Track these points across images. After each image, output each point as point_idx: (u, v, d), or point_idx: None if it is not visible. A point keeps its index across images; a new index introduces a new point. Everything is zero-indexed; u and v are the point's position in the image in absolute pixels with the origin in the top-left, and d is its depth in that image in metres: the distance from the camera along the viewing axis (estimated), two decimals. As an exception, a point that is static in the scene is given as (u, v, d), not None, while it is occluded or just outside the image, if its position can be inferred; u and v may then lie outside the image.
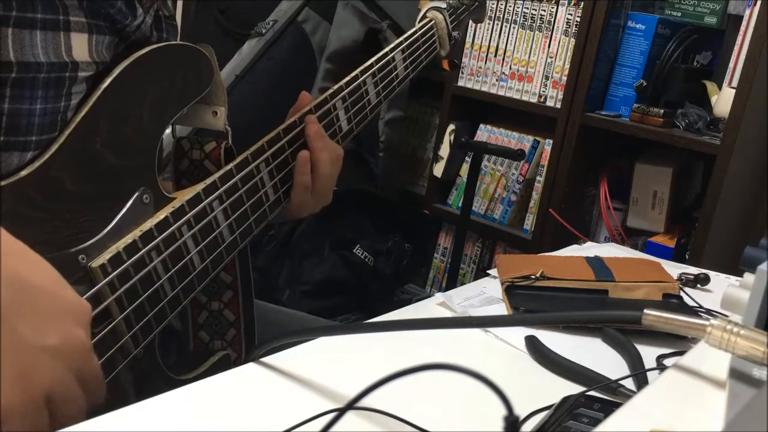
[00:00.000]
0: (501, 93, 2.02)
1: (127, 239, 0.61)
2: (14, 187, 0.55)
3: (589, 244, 1.21)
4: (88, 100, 0.60)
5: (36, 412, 0.46)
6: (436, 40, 1.09)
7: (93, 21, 0.61)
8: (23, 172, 0.56)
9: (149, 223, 0.64)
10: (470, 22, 1.23)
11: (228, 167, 0.72)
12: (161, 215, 0.65)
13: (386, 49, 0.97)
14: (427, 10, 1.09)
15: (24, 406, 0.45)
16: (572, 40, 1.86)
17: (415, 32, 1.04)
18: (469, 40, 2.05)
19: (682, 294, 0.90)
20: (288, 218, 0.86)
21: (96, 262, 0.59)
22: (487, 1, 1.26)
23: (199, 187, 0.69)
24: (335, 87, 0.88)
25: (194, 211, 0.67)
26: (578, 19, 1.84)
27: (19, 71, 0.56)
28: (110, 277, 0.59)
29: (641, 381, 0.69)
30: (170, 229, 0.65)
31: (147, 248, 0.63)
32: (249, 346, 0.81)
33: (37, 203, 0.55)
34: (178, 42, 0.69)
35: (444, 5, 1.10)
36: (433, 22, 1.09)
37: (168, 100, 0.68)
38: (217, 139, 0.76)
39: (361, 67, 0.92)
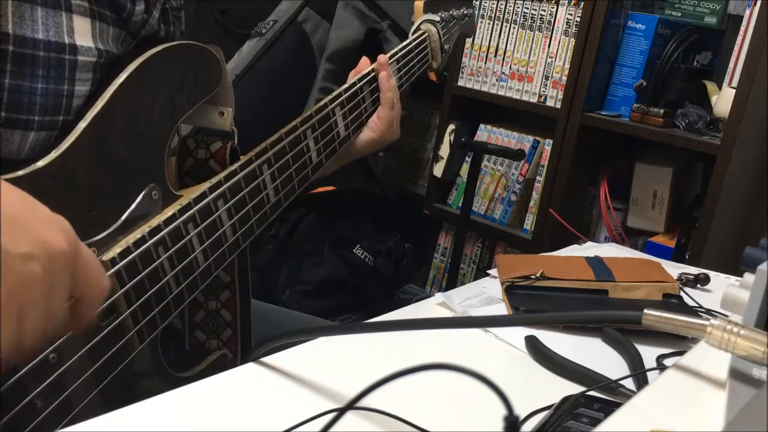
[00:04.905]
0: (501, 93, 2.02)
1: (136, 234, 0.62)
2: (31, 176, 0.55)
3: (589, 244, 1.21)
4: (104, 94, 0.61)
5: (6, 322, 0.45)
6: (429, 52, 1.11)
7: (96, 7, 0.62)
8: (40, 163, 0.56)
9: (157, 219, 0.64)
10: (463, 38, 1.25)
11: (233, 167, 0.72)
12: (169, 212, 0.65)
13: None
14: (420, 23, 1.10)
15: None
16: (572, 40, 1.86)
17: (409, 44, 1.06)
18: (468, 39, 2.05)
19: (682, 294, 0.90)
20: (351, 157, 0.97)
21: (106, 256, 0.59)
22: (476, 16, 1.27)
23: (205, 185, 0.69)
24: (335, 93, 0.89)
25: (199, 208, 0.68)
26: (578, 19, 1.84)
27: (16, 45, 0.56)
28: (119, 270, 0.60)
29: (641, 381, 0.69)
30: (177, 226, 0.65)
31: (154, 244, 0.63)
32: (245, 346, 0.81)
33: (53, 194, 0.56)
34: (190, 42, 0.69)
35: (437, 18, 1.11)
36: (427, 34, 1.10)
37: (179, 99, 0.68)
38: (222, 139, 0.76)
39: (359, 75, 0.94)
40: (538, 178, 1.99)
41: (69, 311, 0.52)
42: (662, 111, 1.73)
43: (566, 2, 1.87)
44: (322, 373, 0.65)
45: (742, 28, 1.67)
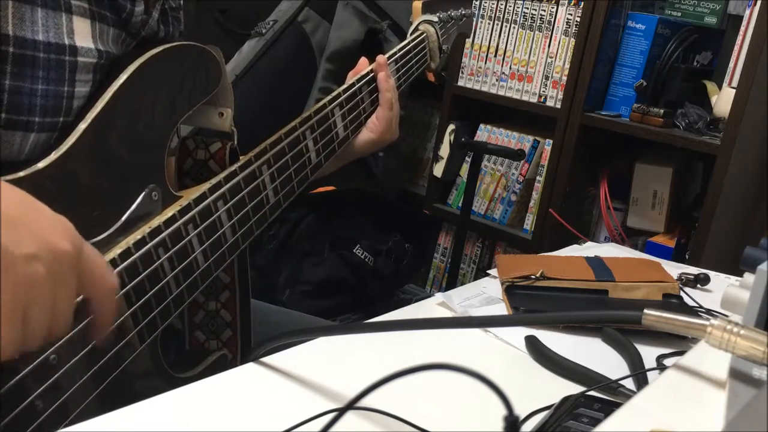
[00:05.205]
0: (501, 93, 2.02)
1: (136, 235, 0.62)
2: (32, 178, 0.55)
3: (589, 244, 1.21)
4: (104, 95, 0.61)
5: (11, 324, 0.45)
6: (427, 53, 1.11)
7: (96, 8, 0.62)
8: (40, 164, 0.56)
9: (157, 220, 0.64)
10: (462, 38, 1.25)
11: (232, 168, 0.72)
12: (169, 213, 0.65)
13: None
14: (419, 23, 1.10)
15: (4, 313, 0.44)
16: (572, 40, 1.86)
17: (408, 44, 1.06)
18: (468, 39, 2.05)
19: (682, 294, 0.90)
20: (350, 157, 0.97)
21: (106, 257, 0.59)
22: (475, 16, 1.28)
23: (205, 186, 0.69)
24: (334, 93, 0.89)
25: (199, 209, 0.68)
26: (578, 19, 1.84)
27: (16, 46, 0.56)
28: (120, 271, 0.60)
29: (641, 381, 0.69)
30: (177, 227, 0.65)
31: (155, 245, 0.63)
32: (244, 347, 0.81)
33: (53, 195, 0.56)
34: (190, 43, 0.69)
35: (435, 19, 1.11)
36: (425, 35, 1.10)
37: (178, 100, 0.68)
38: (222, 139, 0.76)
39: (357, 76, 0.94)
40: (538, 178, 1.99)
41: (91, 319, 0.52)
42: (662, 111, 1.72)
43: (566, 2, 1.87)
44: (322, 373, 0.65)
45: (742, 28, 1.67)
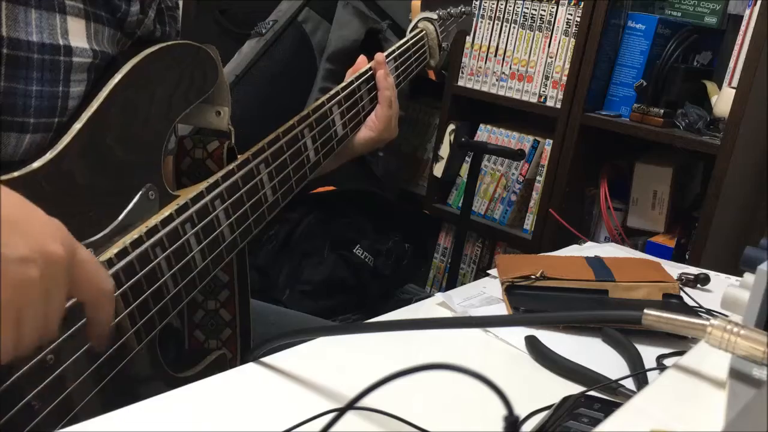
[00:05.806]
0: (501, 93, 2.01)
1: (133, 234, 0.62)
2: (27, 178, 0.55)
3: (589, 244, 1.21)
4: (99, 95, 0.61)
5: (6, 326, 0.45)
6: (427, 50, 1.11)
7: (91, 9, 0.62)
8: (35, 164, 0.56)
9: (154, 220, 0.64)
10: (462, 36, 1.25)
11: (230, 167, 0.72)
12: (166, 212, 0.65)
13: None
14: (418, 21, 1.10)
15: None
16: (572, 40, 1.86)
17: (407, 42, 1.06)
18: (468, 39, 2.05)
19: (682, 294, 0.90)
20: (349, 156, 0.97)
21: (103, 257, 0.59)
22: (475, 15, 1.28)
23: (203, 185, 0.69)
24: (332, 92, 0.89)
25: (197, 208, 0.68)
26: (578, 19, 1.84)
27: (10, 47, 0.56)
28: (116, 271, 0.59)
29: (641, 381, 0.69)
30: (174, 227, 0.65)
31: (152, 244, 0.63)
32: (244, 346, 0.81)
33: (49, 195, 0.55)
34: (186, 41, 0.69)
35: (435, 16, 1.11)
36: (424, 32, 1.09)
37: (175, 99, 0.68)
38: (219, 138, 0.76)
39: (356, 74, 0.94)
40: (538, 178, 1.99)
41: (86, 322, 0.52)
42: (662, 111, 1.72)
43: (566, 2, 1.87)
44: (322, 373, 0.65)
45: (742, 28, 1.67)
